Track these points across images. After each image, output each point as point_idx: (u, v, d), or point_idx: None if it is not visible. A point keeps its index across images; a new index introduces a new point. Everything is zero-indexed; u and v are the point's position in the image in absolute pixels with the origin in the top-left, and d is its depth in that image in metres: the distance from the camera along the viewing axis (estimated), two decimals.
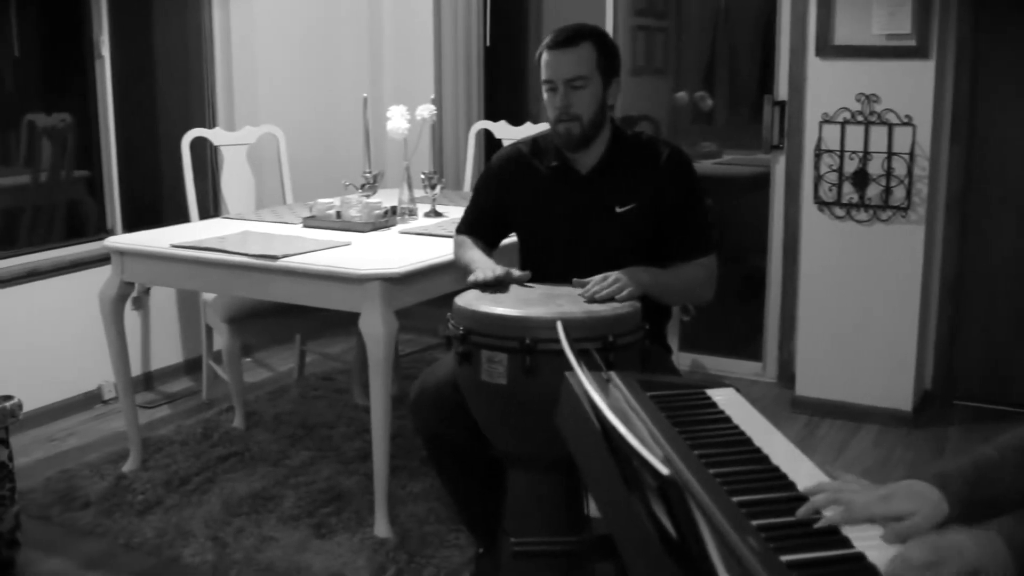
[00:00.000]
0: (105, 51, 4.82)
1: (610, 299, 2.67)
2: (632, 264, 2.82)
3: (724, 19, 6.13)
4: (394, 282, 3.32)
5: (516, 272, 2.83)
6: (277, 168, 5.02)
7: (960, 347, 4.79)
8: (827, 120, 4.48)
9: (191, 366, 5.18)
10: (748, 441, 1.83)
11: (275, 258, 3.44)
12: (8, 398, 3.24)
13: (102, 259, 4.37)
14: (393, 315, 3.33)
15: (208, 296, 4.48)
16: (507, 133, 5.02)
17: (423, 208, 4.33)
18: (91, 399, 4.73)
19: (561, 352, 2.04)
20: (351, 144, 5.50)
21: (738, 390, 2.14)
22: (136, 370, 4.76)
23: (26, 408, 3.39)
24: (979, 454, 1.59)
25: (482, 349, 2.55)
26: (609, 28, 5.32)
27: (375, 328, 3.28)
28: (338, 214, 4.09)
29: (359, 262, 3.40)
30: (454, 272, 3.20)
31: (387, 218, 4.10)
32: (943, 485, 1.53)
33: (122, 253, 3.80)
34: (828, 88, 4.49)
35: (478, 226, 3.19)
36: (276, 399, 4.84)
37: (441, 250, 3.51)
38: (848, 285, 4.57)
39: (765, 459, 1.75)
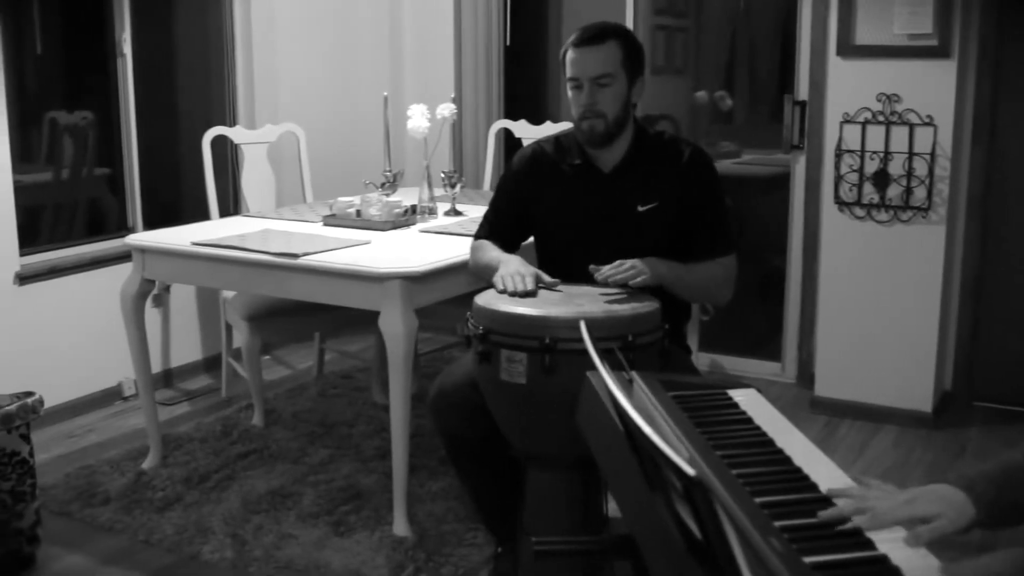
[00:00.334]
0: (127, 49, 4.84)
1: (624, 284, 2.67)
2: None
3: (744, 18, 6.11)
4: (414, 281, 3.32)
5: (547, 278, 2.81)
6: (297, 166, 5.03)
7: (980, 348, 4.77)
8: (848, 120, 4.46)
9: (211, 363, 5.20)
10: (770, 442, 1.83)
11: (295, 256, 3.45)
12: (29, 394, 3.25)
13: (123, 256, 4.39)
14: (413, 313, 3.33)
15: (228, 294, 4.49)
16: (527, 132, 5.02)
17: (443, 207, 4.33)
18: (111, 396, 4.75)
19: (581, 352, 2.04)
20: (371, 143, 5.51)
21: (759, 391, 2.14)
22: (156, 367, 4.79)
23: (47, 404, 3.40)
24: (1006, 457, 1.59)
25: (502, 348, 2.55)
26: (629, 27, 5.31)
27: (395, 326, 3.28)
28: (358, 213, 4.10)
29: (379, 261, 3.40)
30: (472, 273, 3.20)
31: (407, 217, 4.10)
32: (969, 487, 1.52)
33: (143, 250, 3.82)
34: (849, 88, 4.48)
35: (498, 227, 3.16)
36: (295, 397, 4.85)
37: (461, 249, 3.51)
38: (868, 285, 4.55)
39: (787, 460, 1.75)
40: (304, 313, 4.34)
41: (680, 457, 1.29)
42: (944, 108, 4.31)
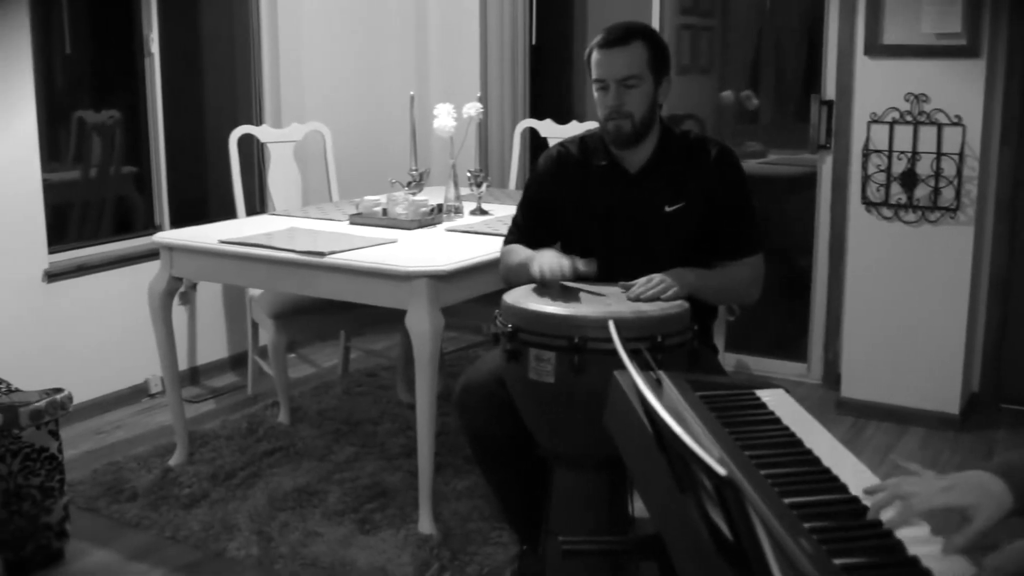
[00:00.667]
0: (154, 48, 4.87)
1: (656, 299, 2.66)
2: (677, 263, 2.81)
3: (770, 17, 6.09)
4: (440, 279, 3.33)
5: (581, 264, 2.80)
6: (323, 165, 5.04)
7: (1008, 350, 4.73)
8: (875, 120, 4.44)
9: (236, 361, 5.22)
10: (799, 442, 1.82)
11: (322, 255, 3.46)
12: (58, 391, 3.28)
13: (150, 254, 4.42)
14: (439, 312, 3.33)
15: (254, 292, 4.52)
16: (553, 132, 5.02)
17: (469, 206, 4.33)
18: (138, 393, 4.78)
19: (610, 351, 2.04)
20: (397, 142, 5.52)
21: (787, 391, 2.13)
22: (183, 365, 4.81)
23: (75, 401, 3.42)
24: None
25: (530, 347, 2.55)
26: (655, 27, 5.30)
27: (421, 325, 3.29)
28: (384, 211, 4.11)
29: (405, 259, 3.41)
30: (499, 272, 3.20)
31: (433, 216, 4.11)
32: (1007, 474, 1.49)
33: (171, 249, 3.84)
34: (877, 88, 4.45)
35: (527, 231, 3.12)
36: (321, 395, 4.86)
37: (487, 248, 3.52)
38: (895, 286, 4.53)
39: (816, 461, 1.74)
40: (329, 311, 4.35)
41: (711, 457, 1.29)
42: (973, 108, 4.28)
